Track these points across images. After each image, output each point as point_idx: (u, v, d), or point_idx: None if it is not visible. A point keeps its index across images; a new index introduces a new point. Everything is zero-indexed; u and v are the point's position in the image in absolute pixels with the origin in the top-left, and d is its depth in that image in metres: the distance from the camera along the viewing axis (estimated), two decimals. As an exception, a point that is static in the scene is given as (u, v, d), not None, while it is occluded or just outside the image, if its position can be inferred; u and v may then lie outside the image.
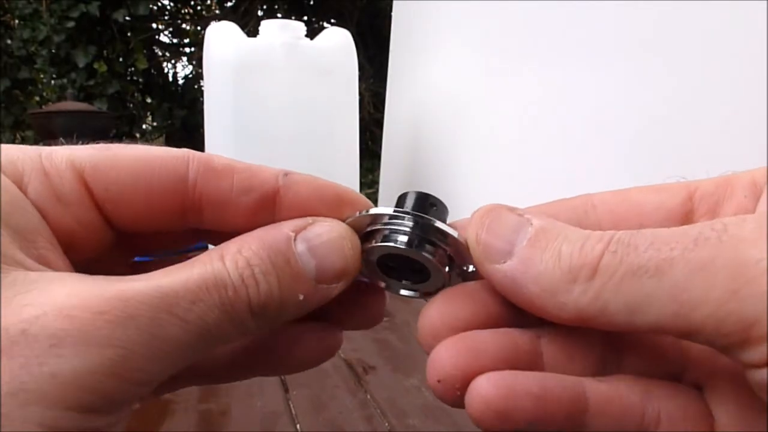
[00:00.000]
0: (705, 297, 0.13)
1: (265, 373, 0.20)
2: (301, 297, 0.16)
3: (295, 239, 0.16)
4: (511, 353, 0.15)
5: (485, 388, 0.14)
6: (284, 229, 0.16)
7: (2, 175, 0.15)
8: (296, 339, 0.19)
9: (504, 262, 0.15)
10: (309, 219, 0.17)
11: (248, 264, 0.15)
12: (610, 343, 0.17)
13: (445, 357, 0.15)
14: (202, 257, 0.15)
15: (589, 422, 0.15)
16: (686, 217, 0.18)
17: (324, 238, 0.17)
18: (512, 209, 0.16)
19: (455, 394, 0.15)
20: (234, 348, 0.19)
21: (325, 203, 0.18)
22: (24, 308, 0.13)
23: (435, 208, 0.18)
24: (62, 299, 0.13)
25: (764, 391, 0.13)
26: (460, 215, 0.72)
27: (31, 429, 0.12)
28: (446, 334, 0.16)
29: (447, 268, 0.18)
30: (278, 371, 0.20)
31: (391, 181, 1.32)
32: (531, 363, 0.16)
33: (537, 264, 0.15)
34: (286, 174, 0.18)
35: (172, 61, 3.58)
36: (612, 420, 0.15)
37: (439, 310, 0.17)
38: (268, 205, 0.17)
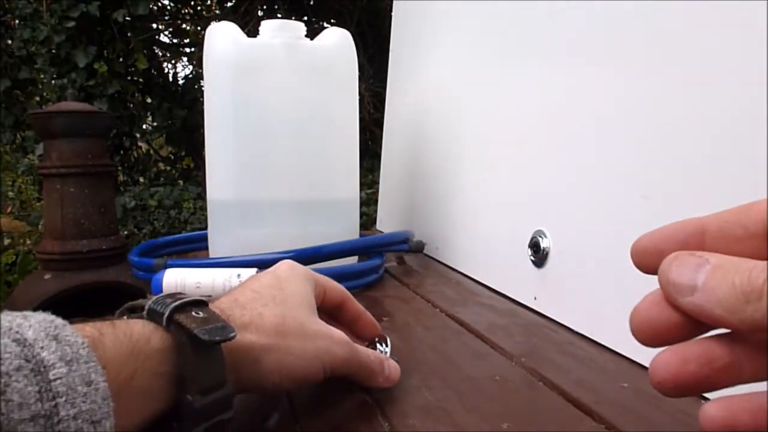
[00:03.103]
0: None
1: None
2: (379, 380, 0.43)
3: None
4: (711, 359, 0.21)
5: (712, 410, 0.21)
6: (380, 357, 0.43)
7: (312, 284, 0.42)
8: None
9: (692, 295, 0.21)
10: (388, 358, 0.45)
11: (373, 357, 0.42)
12: None
13: (663, 365, 0.21)
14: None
15: None
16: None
17: (393, 366, 0.44)
18: (692, 254, 0.22)
19: (670, 391, 0.22)
20: None
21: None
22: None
23: None
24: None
25: None
26: (461, 214, 0.74)
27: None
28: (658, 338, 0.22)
29: None
30: None
31: (391, 180, 1.32)
32: (727, 367, 0.21)
33: (718, 293, 0.20)
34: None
35: (172, 61, 3.58)
36: None
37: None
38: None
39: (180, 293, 0.32)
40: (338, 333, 0.38)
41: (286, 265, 0.41)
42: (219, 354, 0.30)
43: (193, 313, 0.30)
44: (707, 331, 0.22)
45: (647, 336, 0.22)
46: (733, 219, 0.23)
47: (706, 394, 0.44)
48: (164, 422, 0.29)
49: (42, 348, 0.23)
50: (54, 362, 0.23)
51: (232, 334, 0.31)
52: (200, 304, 0.32)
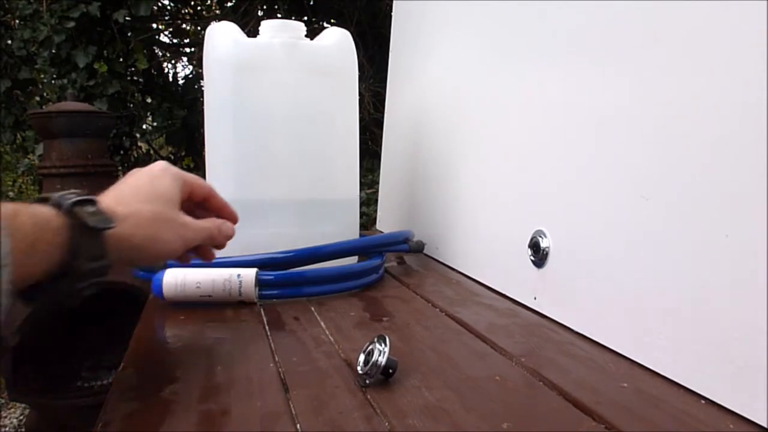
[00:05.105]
0: None
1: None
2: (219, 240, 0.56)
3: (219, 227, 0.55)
4: None
5: None
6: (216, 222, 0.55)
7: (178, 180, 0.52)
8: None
9: None
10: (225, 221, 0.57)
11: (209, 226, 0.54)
12: None
13: None
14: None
15: None
16: None
17: (228, 230, 0.56)
18: None
19: None
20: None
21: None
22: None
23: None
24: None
25: None
26: (460, 214, 0.74)
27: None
28: None
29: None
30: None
31: (391, 180, 1.32)
32: None
33: None
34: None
35: (172, 61, 3.58)
36: None
37: None
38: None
39: (76, 191, 0.43)
40: (193, 223, 0.51)
41: (160, 166, 0.51)
42: (101, 237, 0.42)
43: (86, 208, 0.42)
44: None
45: None
46: None
47: (699, 390, 0.44)
48: (56, 281, 0.40)
49: None
50: None
51: (111, 225, 0.43)
52: (92, 201, 0.43)
